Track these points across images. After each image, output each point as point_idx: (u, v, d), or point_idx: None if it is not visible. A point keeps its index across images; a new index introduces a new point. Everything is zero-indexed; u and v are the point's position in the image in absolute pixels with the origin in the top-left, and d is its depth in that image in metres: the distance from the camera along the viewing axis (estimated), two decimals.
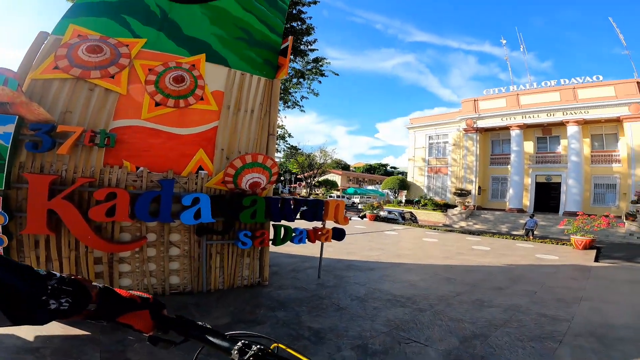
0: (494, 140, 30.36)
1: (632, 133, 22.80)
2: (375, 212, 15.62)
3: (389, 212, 18.79)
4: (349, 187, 49.73)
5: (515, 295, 4.69)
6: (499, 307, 4.10)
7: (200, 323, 0.79)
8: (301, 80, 26.51)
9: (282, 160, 53.32)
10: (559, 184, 26.19)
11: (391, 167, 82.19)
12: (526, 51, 37.00)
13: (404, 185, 34.76)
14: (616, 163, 24.39)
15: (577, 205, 24.16)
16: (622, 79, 24.13)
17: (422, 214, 28.14)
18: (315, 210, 4.98)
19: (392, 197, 37.47)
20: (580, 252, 8.88)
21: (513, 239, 11.21)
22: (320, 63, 25.83)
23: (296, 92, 27.95)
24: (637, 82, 23.35)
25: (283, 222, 4.64)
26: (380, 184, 43.80)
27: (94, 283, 0.71)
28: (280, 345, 0.76)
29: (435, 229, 13.36)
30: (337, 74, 27.77)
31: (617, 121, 23.80)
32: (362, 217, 17.52)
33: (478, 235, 12.01)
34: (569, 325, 3.52)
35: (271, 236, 4.70)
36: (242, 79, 4.68)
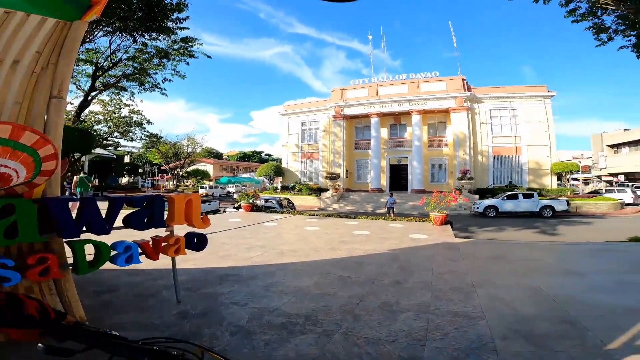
0: (357, 127, 32.64)
1: (456, 121, 27.73)
2: (251, 201, 14.24)
3: (266, 201, 17.68)
4: (222, 176, 46.58)
5: (416, 290, 4.21)
6: (409, 311, 3.46)
7: (106, 331, 0.74)
8: (164, 60, 22.63)
9: (141, 150, 45.83)
10: (407, 165, 29.98)
11: (266, 154, 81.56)
12: (385, 49, 41.14)
13: (279, 171, 34.26)
14: (445, 147, 29.27)
15: (420, 183, 28.12)
16: (453, 76, 29.10)
17: (298, 199, 28.10)
18: (150, 212, 3.20)
19: (268, 184, 36.62)
20: (439, 228, 9.62)
21: (384, 219, 11.65)
22: (190, 44, 22.42)
23: (157, 73, 23.71)
24: (463, 79, 28.38)
25: (89, 237, 2.81)
26: (256, 171, 42.42)
27: None
28: (212, 354, 0.72)
29: (314, 214, 12.89)
30: (210, 57, 24.51)
31: (446, 112, 28.47)
32: (237, 208, 15.92)
33: (354, 218, 12.03)
34: (488, 325, 3.10)
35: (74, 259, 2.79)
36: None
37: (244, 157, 76.47)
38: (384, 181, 30.33)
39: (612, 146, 47.99)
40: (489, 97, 28.40)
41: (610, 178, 44.72)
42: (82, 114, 23.97)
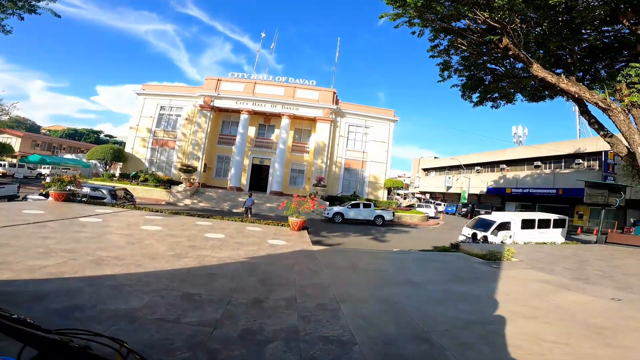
0: (225, 121, 30.58)
1: (320, 131, 29.44)
2: (67, 189, 10.83)
3: (94, 189, 13.99)
4: (35, 153, 35.54)
5: (279, 309, 3.50)
6: (277, 339, 2.72)
7: (18, 317, 0.70)
8: None
9: None
10: (269, 167, 29.94)
11: (106, 135, 67.82)
12: (274, 50, 40.21)
13: (119, 156, 28.52)
14: (306, 153, 30.67)
15: (280, 186, 28.49)
16: (327, 87, 30.78)
17: (141, 191, 24.02)
18: None
19: (101, 169, 30.07)
20: (297, 234, 9.36)
21: (242, 220, 10.67)
22: None
23: None
24: (334, 92, 30.40)
25: None
26: (86, 152, 34.08)
27: None
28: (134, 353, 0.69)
29: (158, 211, 10.78)
30: (59, 16, 18.30)
31: (313, 120, 29.89)
32: (45, 196, 12.01)
33: (208, 218, 10.61)
34: (361, 351, 2.71)
35: None
36: None
37: (74, 134, 61.21)
38: (244, 180, 29.29)
39: (425, 169, 60.83)
40: (350, 113, 31.35)
41: (420, 195, 56.49)
42: None
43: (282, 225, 10.59)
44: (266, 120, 30.85)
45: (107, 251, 5.26)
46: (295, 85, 29.80)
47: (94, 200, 12.88)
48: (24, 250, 4.64)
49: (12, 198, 15.18)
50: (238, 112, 28.82)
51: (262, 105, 28.88)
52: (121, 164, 29.17)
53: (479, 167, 46.51)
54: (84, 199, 11.98)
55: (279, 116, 29.37)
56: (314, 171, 28.81)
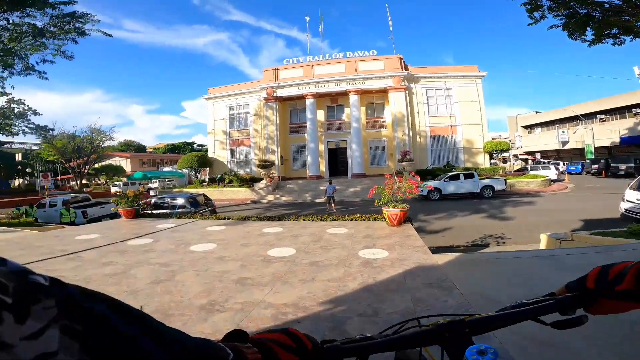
0: (292, 110, 28.95)
1: (394, 101, 25.65)
2: (135, 204, 9.83)
3: (171, 199, 13.18)
4: (141, 170, 39.52)
5: None
6: None
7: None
8: (44, 40, 16.65)
9: (35, 149, 36.35)
10: (346, 149, 27.38)
11: (198, 145, 73.52)
12: (323, 33, 37.90)
13: (204, 161, 29.22)
14: (384, 128, 27.23)
15: (360, 167, 25.70)
16: (390, 55, 26.79)
17: (228, 192, 23.92)
18: None
19: (193, 177, 31.36)
20: (399, 232, 6.45)
21: (321, 219, 8.18)
22: (81, 19, 16.74)
23: (30, 53, 17.49)
24: (400, 58, 26.35)
25: None
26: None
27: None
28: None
29: (226, 218, 9.01)
30: (110, 35, 18.79)
31: (384, 92, 26.26)
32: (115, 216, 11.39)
33: (279, 220, 8.41)
34: None
35: None
36: None
37: (173, 149, 67.83)
38: (323, 167, 27.28)
39: (526, 127, 50.99)
40: (425, 77, 27.03)
41: (525, 156, 47.39)
42: None
43: (374, 219, 7.77)
44: (333, 101, 28.17)
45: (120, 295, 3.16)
46: (356, 59, 26.44)
47: (173, 209, 11.98)
48: None
49: (113, 216, 15.57)
50: (302, 97, 26.73)
51: (325, 86, 26.25)
52: (208, 168, 29.91)
53: (602, 115, 36.62)
54: (156, 211, 11.03)
55: (345, 94, 26.41)
56: (396, 146, 25.23)
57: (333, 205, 15.26)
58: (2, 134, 26.35)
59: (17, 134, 26.96)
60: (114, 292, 3.65)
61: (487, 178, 19.94)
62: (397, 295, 3.35)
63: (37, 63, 17.22)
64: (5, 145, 34.95)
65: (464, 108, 26.42)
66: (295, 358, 0.50)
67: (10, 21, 14.47)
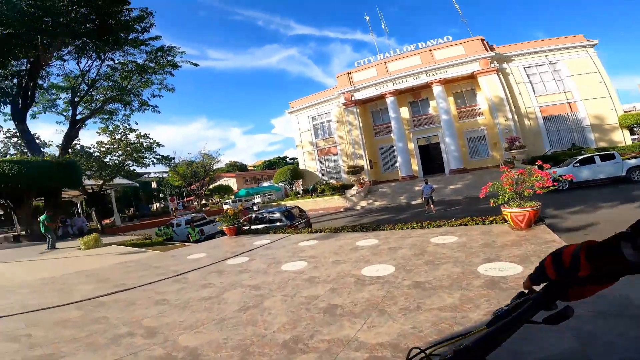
0: (373, 111, 27.97)
1: (487, 86, 22.51)
2: (236, 222, 10.33)
3: (269, 213, 13.57)
4: (244, 188, 43.61)
5: None
6: None
7: None
8: (148, 76, 20.00)
9: (165, 176, 43.55)
10: (438, 144, 25.03)
11: (291, 159, 78.00)
12: (387, 30, 36.50)
13: (296, 174, 30.36)
14: (480, 116, 24.05)
15: (458, 161, 23.06)
16: (469, 38, 23.87)
17: (322, 202, 24.14)
18: None
19: (288, 189, 32.94)
20: (530, 237, 4.99)
21: (422, 226, 7.08)
22: (170, 53, 19.71)
23: (142, 90, 21.04)
24: (481, 39, 23.29)
25: None
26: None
27: None
28: None
29: (318, 231, 8.68)
30: (197, 64, 21.94)
31: (472, 77, 23.37)
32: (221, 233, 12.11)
33: (373, 231, 7.65)
34: None
35: None
36: None
37: (270, 164, 73.54)
38: (415, 166, 25.46)
39: None
40: (520, 55, 23.12)
41: None
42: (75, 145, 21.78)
43: (490, 222, 6.35)
44: (415, 96, 26.17)
45: (193, 333, 3.02)
46: (430, 48, 24.10)
47: (272, 224, 12.27)
48: (86, 334, 2.85)
49: (224, 232, 17.14)
50: (382, 97, 25.50)
51: (403, 82, 24.56)
52: (300, 180, 31.01)
53: None
54: (255, 226, 11.47)
55: (427, 86, 24.24)
56: (499, 133, 21.94)
57: (432, 206, 13.72)
58: (138, 165, 32.30)
59: (148, 165, 32.74)
60: (204, 320, 3.49)
61: (633, 157, 15.48)
62: (551, 333, 2.29)
63: (148, 98, 20.78)
64: (144, 175, 42.78)
65: (581, 81, 21.62)
66: None
67: (116, 61, 17.67)
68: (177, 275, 5.75)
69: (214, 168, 39.09)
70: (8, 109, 16.66)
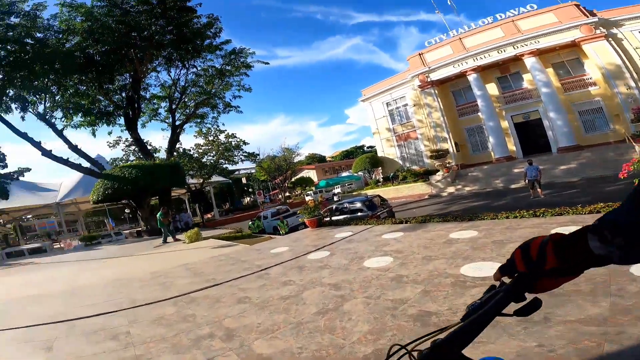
0: (454, 91, 25.44)
1: (596, 54, 18.54)
2: (316, 214, 10.21)
3: (350, 203, 13.10)
4: (324, 179, 44.33)
5: None
6: None
7: None
8: (227, 79, 21.85)
9: (253, 172, 46.99)
10: (539, 119, 21.40)
11: (368, 147, 76.75)
12: (455, 7, 32.90)
13: (375, 162, 29.55)
14: (592, 86, 20.03)
15: (570, 137, 19.44)
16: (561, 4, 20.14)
17: (404, 189, 23.05)
18: None
19: (368, 178, 32.27)
20: None
21: (535, 215, 5.68)
22: (242, 54, 21.19)
23: (223, 92, 23.02)
24: (576, 5, 19.44)
25: None
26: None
27: None
28: None
29: (404, 222, 7.98)
30: (267, 63, 23.58)
31: (574, 45, 19.49)
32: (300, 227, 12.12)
33: (469, 220, 6.63)
34: None
35: None
36: None
37: (348, 154, 73.42)
38: (512, 145, 22.29)
39: None
40: (632, 19, 18.80)
41: None
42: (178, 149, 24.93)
43: None
44: (503, 71, 22.83)
45: (268, 339, 2.86)
46: (512, 19, 21.16)
47: (353, 215, 11.86)
48: (174, 333, 2.89)
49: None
50: (462, 75, 23.01)
51: (485, 57, 21.84)
52: (380, 168, 30.06)
53: None
54: (335, 217, 11.25)
55: (516, 59, 21.17)
56: (620, 104, 17.97)
57: (539, 190, 11.63)
58: (229, 163, 35.45)
59: (237, 162, 35.83)
60: (281, 324, 3.26)
61: None
62: None
63: (230, 100, 22.67)
64: (235, 172, 46.85)
65: None
66: None
67: (198, 68, 19.75)
68: (261, 270, 5.79)
69: (295, 161, 40.60)
70: (122, 121, 19.78)
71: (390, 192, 22.04)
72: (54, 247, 21.44)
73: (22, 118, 16.36)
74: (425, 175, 23.41)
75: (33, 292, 6.68)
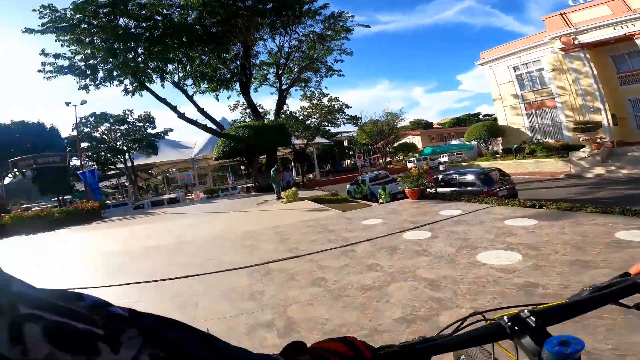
0: (614, 56, 19.23)
1: None
2: (419, 183, 8.84)
3: (460, 175, 11.12)
4: (430, 146, 40.66)
5: None
6: None
7: None
8: (329, 44, 21.49)
9: (355, 135, 46.32)
10: None
11: (484, 116, 66.69)
12: None
13: (495, 131, 25.26)
14: None
15: None
16: None
17: (530, 164, 19.49)
18: None
19: (483, 148, 27.97)
20: None
21: None
22: (340, 18, 20.45)
23: (325, 57, 22.73)
24: None
25: None
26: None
27: None
28: None
29: (537, 206, 6.12)
30: (368, 26, 22.38)
31: None
32: (400, 197, 10.76)
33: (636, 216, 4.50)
34: None
35: None
36: None
37: (458, 122, 65.30)
38: None
39: None
40: None
41: None
42: (282, 111, 26.16)
43: None
44: None
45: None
46: None
47: (462, 187, 10.10)
48: (234, 314, 2.57)
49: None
50: (627, 39, 17.16)
51: None
52: (500, 139, 25.62)
53: None
54: (442, 190, 9.69)
55: None
56: None
57: None
58: (332, 126, 35.55)
59: (339, 125, 35.74)
60: (351, 327, 2.50)
61: None
62: None
63: (332, 64, 22.19)
64: (338, 135, 46.98)
65: None
66: None
67: (300, 34, 19.81)
68: (346, 245, 5.15)
69: (398, 126, 38.30)
70: (237, 86, 21.37)
71: (511, 167, 18.58)
72: (187, 197, 25.57)
73: (163, 86, 19.17)
74: (563, 150, 19.05)
75: (151, 243, 7.42)
